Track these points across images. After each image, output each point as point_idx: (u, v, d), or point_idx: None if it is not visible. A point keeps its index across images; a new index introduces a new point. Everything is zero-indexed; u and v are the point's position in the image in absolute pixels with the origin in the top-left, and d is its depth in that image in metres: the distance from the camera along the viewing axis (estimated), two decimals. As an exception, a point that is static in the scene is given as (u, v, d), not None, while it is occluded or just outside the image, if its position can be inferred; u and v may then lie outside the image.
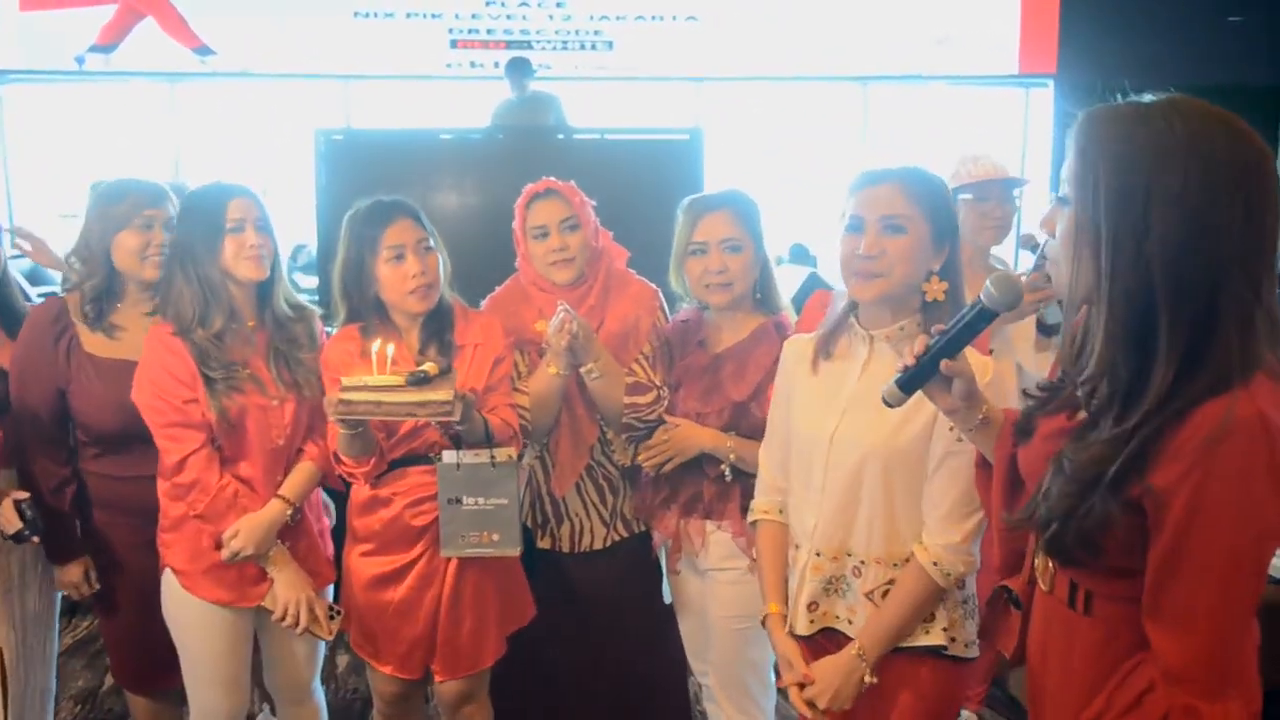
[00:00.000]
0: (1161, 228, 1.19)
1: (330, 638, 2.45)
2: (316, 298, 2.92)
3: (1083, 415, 1.34)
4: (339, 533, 2.56)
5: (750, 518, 2.13)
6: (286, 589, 2.37)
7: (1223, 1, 7.94)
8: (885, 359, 1.86)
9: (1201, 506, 1.18)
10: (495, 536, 2.33)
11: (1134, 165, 1.21)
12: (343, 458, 2.29)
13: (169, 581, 2.39)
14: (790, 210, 7.02)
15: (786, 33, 8.60)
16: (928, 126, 8.79)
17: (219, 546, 2.32)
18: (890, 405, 1.54)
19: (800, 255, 6.90)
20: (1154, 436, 1.21)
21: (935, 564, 1.81)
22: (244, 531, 2.31)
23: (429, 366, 2.14)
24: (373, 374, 2.10)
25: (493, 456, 2.31)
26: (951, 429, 1.73)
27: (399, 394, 2.07)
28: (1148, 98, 1.26)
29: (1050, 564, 1.44)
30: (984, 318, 1.46)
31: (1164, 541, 1.23)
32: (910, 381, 1.52)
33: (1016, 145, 8.88)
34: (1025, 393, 1.50)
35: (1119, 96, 1.30)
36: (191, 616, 2.38)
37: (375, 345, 2.15)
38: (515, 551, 2.35)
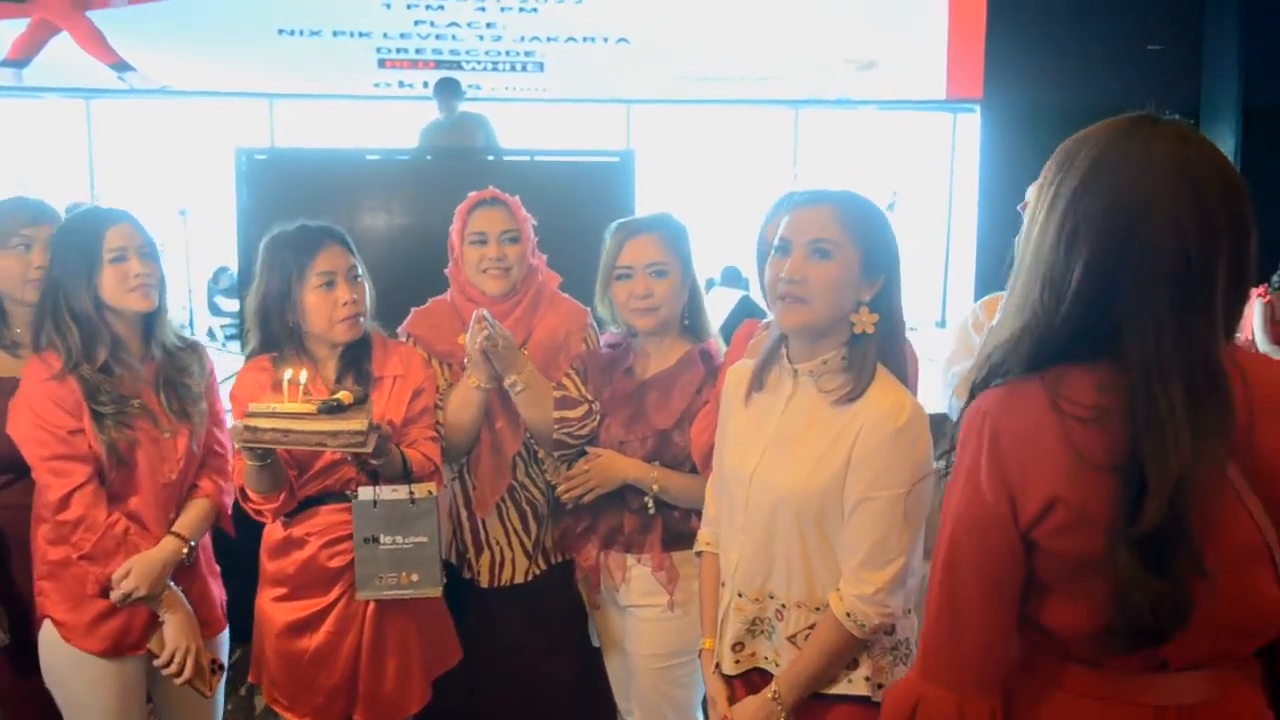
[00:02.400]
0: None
1: (210, 695, 2.30)
2: (238, 322, 2.80)
3: None
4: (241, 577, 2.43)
5: (695, 547, 2.06)
6: (176, 634, 2.22)
7: (1143, 31, 8.14)
8: (808, 395, 1.79)
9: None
10: (414, 577, 2.22)
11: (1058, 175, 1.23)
12: (250, 493, 2.18)
13: (48, 634, 2.21)
14: (722, 233, 7.03)
15: (717, 56, 8.64)
16: (857, 150, 8.90)
17: (104, 593, 2.17)
18: None
19: (732, 278, 6.91)
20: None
21: (849, 615, 1.73)
22: (136, 571, 2.16)
23: (343, 395, 2.05)
24: (283, 401, 2.00)
25: (412, 492, 2.21)
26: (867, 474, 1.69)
27: (309, 422, 1.97)
28: (1128, 115, 1.24)
29: None
30: None
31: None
32: None
33: (944, 169, 9.03)
34: None
35: (1051, 121, 1.31)
36: (75, 672, 2.20)
37: (287, 373, 2.05)
38: (436, 592, 2.25)
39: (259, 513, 2.22)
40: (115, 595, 2.15)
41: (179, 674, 2.21)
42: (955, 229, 8.97)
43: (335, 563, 2.25)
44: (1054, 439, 1.17)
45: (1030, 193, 1.28)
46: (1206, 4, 8.30)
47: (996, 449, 1.21)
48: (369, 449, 2.01)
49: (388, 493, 2.21)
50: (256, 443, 1.99)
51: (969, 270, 8.63)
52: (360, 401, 2.09)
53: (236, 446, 2.05)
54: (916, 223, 8.61)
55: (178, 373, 2.28)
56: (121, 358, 2.21)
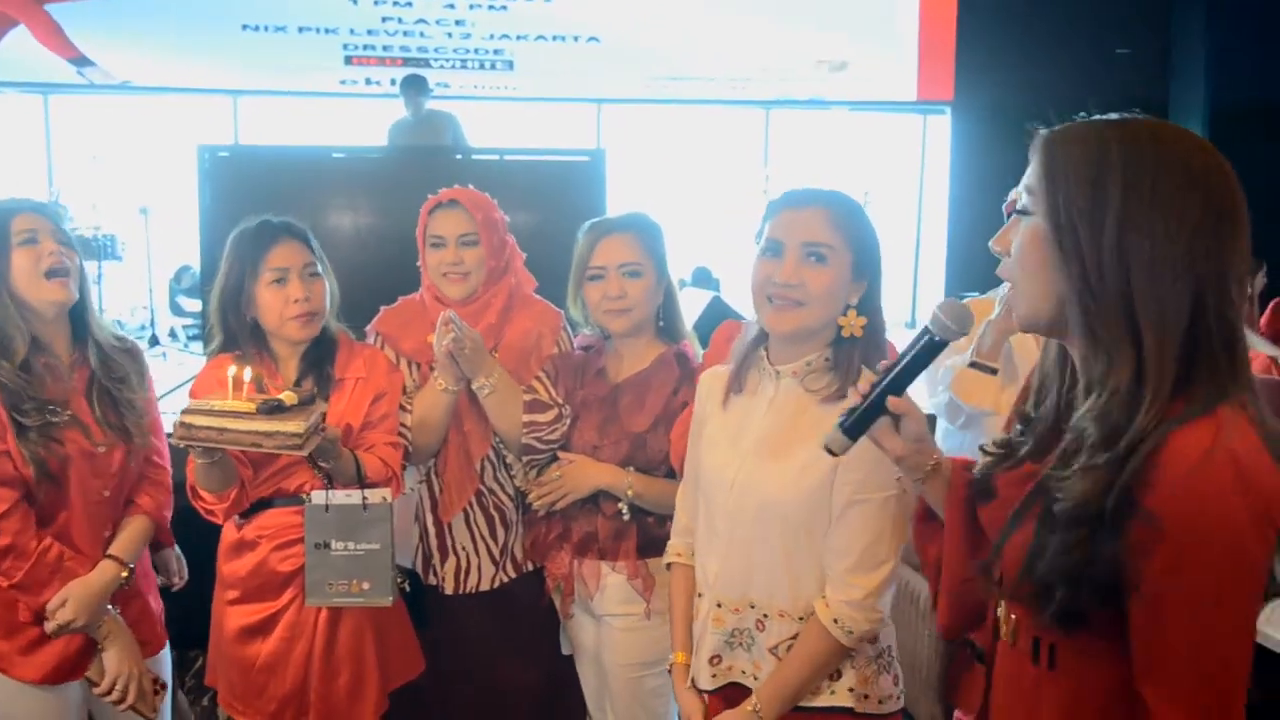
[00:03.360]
0: (1135, 238, 1.13)
1: (154, 716, 2.22)
2: (200, 322, 2.72)
3: (1049, 460, 1.23)
4: (198, 590, 2.35)
5: (664, 559, 2.01)
6: (117, 661, 2.13)
7: (1112, 35, 8.21)
8: (792, 397, 1.75)
9: (1192, 540, 1.07)
10: (366, 585, 2.15)
11: (1105, 176, 1.15)
12: (200, 491, 2.11)
13: None
14: (693, 233, 7.00)
15: (689, 56, 8.60)
16: (828, 151, 8.90)
17: (38, 620, 2.06)
18: (834, 453, 1.41)
19: (703, 279, 6.89)
20: (1141, 465, 1.09)
21: (836, 621, 1.68)
22: (73, 600, 2.06)
23: (286, 395, 1.97)
24: (228, 398, 1.93)
25: (365, 498, 2.15)
26: (882, 473, 1.62)
27: (246, 422, 1.90)
28: (1112, 116, 1.21)
29: (1013, 614, 1.30)
30: (933, 349, 1.36)
31: (1153, 579, 1.09)
32: (857, 424, 1.38)
33: (915, 171, 9.05)
34: (982, 449, 1.38)
35: (1030, 122, 1.26)
36: (15, 702, 2.09)
37: (231, 370, 1.98)
38: (387, 602, 2.17)
39: (210, 512, 2.15)
40: (50, 626, 2.05)
41: (120, 701, 2.13)
42: (926, 230, 9.00)
43: (286, 566, 2.18)
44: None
45: (1023, 195, 1.22)
46: (1173, 8, 8.38)
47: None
48: (305, 451, 1.94)
49: (341, 497, 2.15)
50: (191, 440, 1.91)
51: (939, 271, 8.66)
52: (306, 402, 2.01)
53: (172, 442, 1.96)
54: (887, 224, 8.62)
55: (114, 383, 2.16)
56: (45, 359, 2.09)
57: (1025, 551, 1.19)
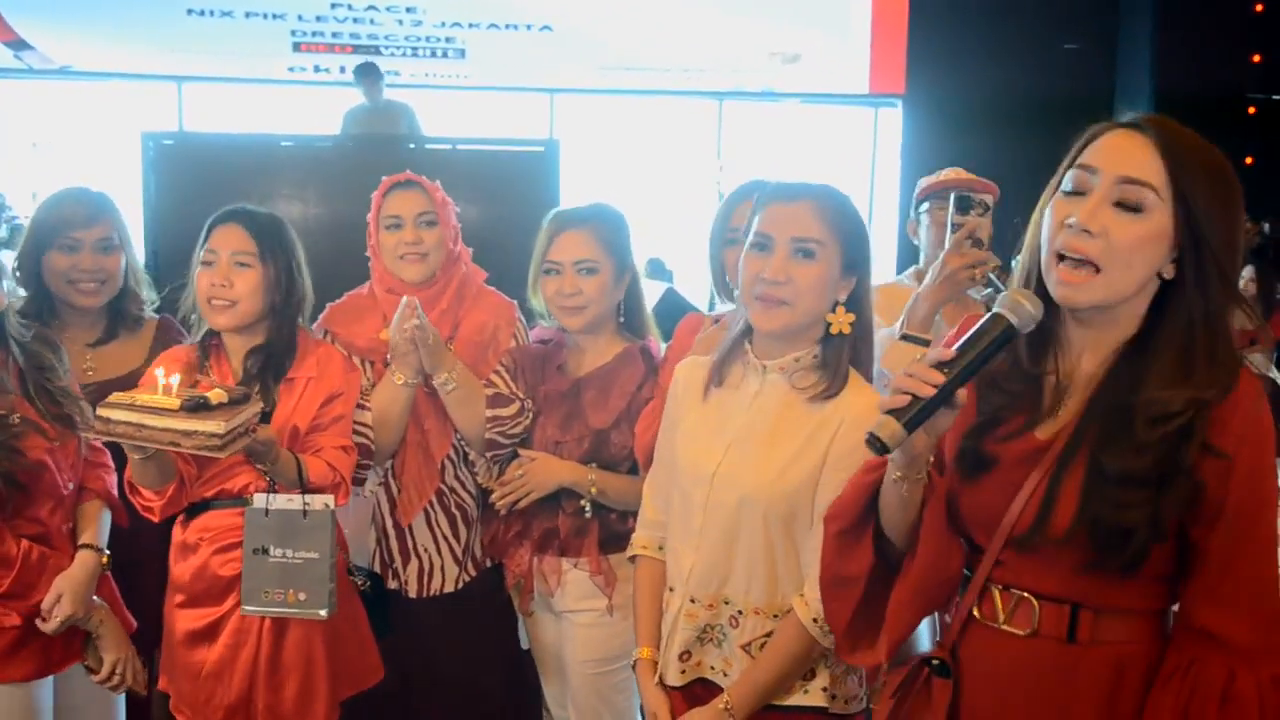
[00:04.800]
0: (1223, 233, 1.28)
1: (145, 692, 2.21)
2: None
3: (1049, 427, 1.34)
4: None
5: (629, 552, 1.98)
6: (113, 646, 2.10)
7: (1060, 31, 8.30)
8: (778, 391, 1.73)
9: (1259, 472, 1.25)
10: (302, 595, 2.07)
11: (1219, 176, 1.30)
12: (137, 486, 2.05)
13: None
14: (646, 224, 6.98)
15: (642, 46, 8.57)
16: (780, 142, 8.93)
17: (27, 622, 2.00)
18: (888, 450, 1.28)
19: (657, 270, 6.86)
20: (1209, 418, 1.25)
21: (816, 620, 1.66)
22: (68, 594, 2.01)
23: (214, 393, 1.88)
24: (156, 392, 1.85)
25: (305, 503, 2.08)
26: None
27: (166, 419, 1.81)
28: (1187, 129, 1.33)
29: (1026, 599, 1.35)
30: (1006, 339, 1.29)
31: (1231, 510, 1.24)
32: (919, 415, 1.26)
33: (866, 163, 9.11)
34: (968, 434, 1.38)
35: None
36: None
37: (160, 369, 1.91)
38: (321, 615, 2.09)
39: (147, 509, 2.09)
40: (52, 625, 2.00)
41: (119, 685, 2.10)
42: (877, 222, 9.05)
43: (228, 570, 2.12)
44: None
45: (1135, 188, 1.29)
46: (1121, 5, 8.51)
47: None
48: (225, 454, 1.86)
49: (281, 501, 2.08)
50: (108, 435, 1.85)
51: (890, 262, 8.72)
52: (238, 401, 1.91)
53: (89, 435, 1.90)
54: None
55: (40, 372, 2.07)
56: None
57: (1086, 504, 1.27)
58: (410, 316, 2.14)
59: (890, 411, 1.27)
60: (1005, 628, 1.35)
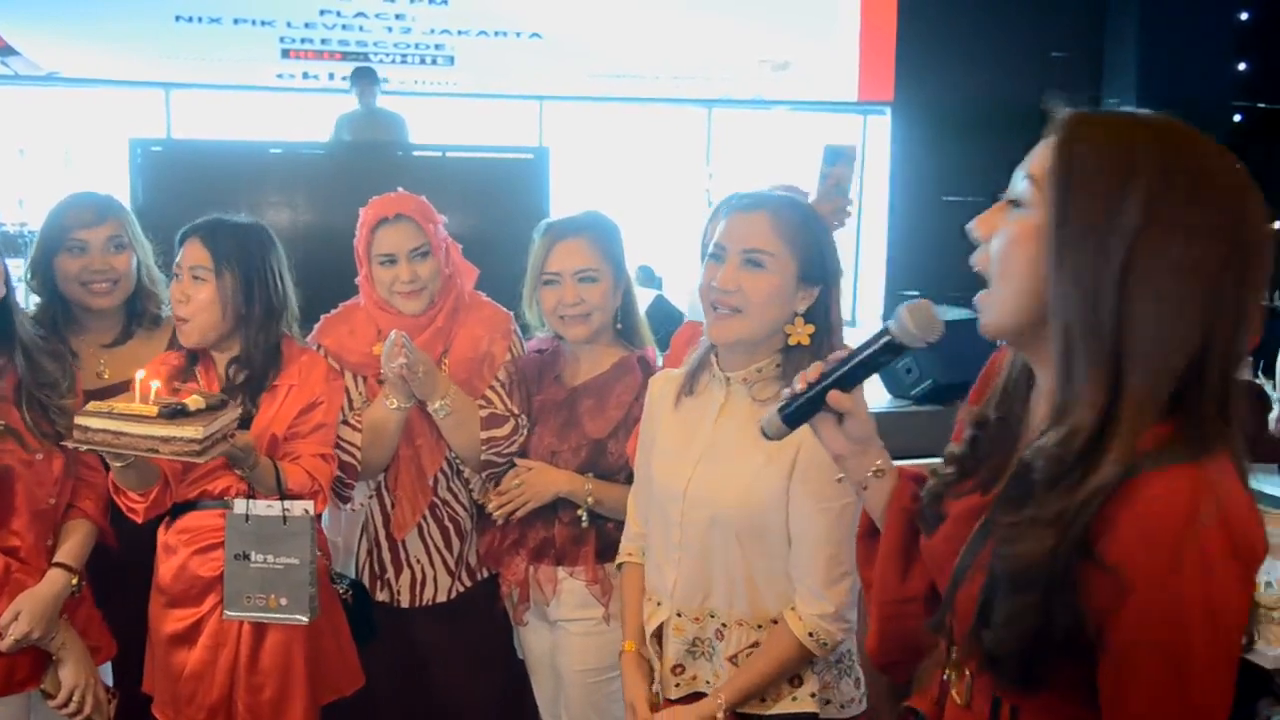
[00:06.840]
0: (1148, 263, 0.97)
1: None
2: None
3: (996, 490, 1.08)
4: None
5: (617, 560, 2.00)
6: (73, 672, 2.06)
7: (1047, 39, 8.35)
8: (742, 403, 1.73)
9: (1163, 595, 0.94)
10: (283, 600, 2.08)
11: (1128, 184, 0.98)
12: (120, 488, 2.05)
13: None
14: (636, 232, 6.98)
15: (631, 53, 8.58)
16: (770, 150, 8.93)
17: None
18: (769, 437, 1.31)
19: (646, 277, 6.86)
20: (1097, 514, 0.96)
21: (811, 635, 1.67)
22: (26, 612, 1.98)
23: (192, 400, 1.89)
24: (134, 400, 1.86)
25: (285, 510, 2.08)
26: (826, 483, 1.59)
27: (145, 426, 1.82)
28: (1144, 111, 1.04)
29: (967, 671, 1.14)
30: (890, 351, 1.25)
31: (1126, 634, 0.96)
32: (796, 413, 1.28)
33: (855, 170, 9.12)
34: (933, 471, 1.25)
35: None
36: None
37: (140, 374, 1.91)
38: (304, 619, 2.09)
39: (131, 510, 2.08)
40: (6, 643, 1.97)
41: (77, 713, 2.06)
42: (866, 229, 9.07)
43: (206, 571, 2.12)
44: None
45: (1019, 182, 1.06)
46: (1107, 14, 8.56)
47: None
48: (204, 459, 1.87)
49: (261, 507, 2.09)
50: (87, 443, 1.85)
51: (879, 270, 8.74)
52: (215, 407, 1.92)
53: (67, 444, 1.90)
54: (828, 223, 8.67)
55: (42, 389, 2.06)
56: None
57: (976, 609, 1.03)
58: (397, 355, 2.11)
59: (780, 404, 1.30)
60: (953, 694, 1.19)
